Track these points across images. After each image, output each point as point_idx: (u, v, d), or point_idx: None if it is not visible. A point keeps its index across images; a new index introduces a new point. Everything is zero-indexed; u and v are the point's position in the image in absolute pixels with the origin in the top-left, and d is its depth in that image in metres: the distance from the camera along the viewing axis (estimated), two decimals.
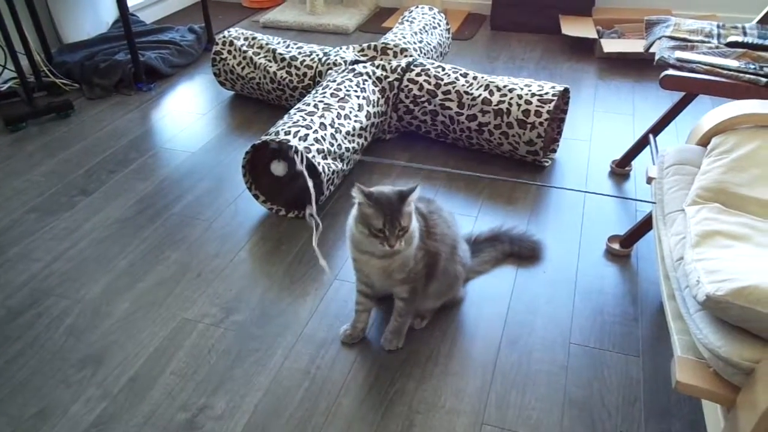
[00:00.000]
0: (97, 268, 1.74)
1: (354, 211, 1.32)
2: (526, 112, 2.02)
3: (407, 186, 1.26)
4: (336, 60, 2.35)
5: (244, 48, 2.55)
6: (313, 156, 1.80)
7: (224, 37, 2.60)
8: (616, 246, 1.75)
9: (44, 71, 2.76)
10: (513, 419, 1.30)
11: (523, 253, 1.74)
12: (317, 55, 2.41)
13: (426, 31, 2.58)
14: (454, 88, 2.15)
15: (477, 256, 1.67)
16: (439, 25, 2.70)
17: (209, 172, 2.19)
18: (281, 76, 2.43)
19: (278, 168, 1.91)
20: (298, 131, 1.84)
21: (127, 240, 1.85)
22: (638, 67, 2.90)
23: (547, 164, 2.17)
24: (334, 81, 2.16)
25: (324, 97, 2.05)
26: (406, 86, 2.21)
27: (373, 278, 1.40)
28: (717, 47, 1.71)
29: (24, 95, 2.52)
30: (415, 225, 1.32)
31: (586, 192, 1.93)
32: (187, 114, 2.60)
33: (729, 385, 0.93)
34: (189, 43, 3.09)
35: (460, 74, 2.19)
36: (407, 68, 2.24)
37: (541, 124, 2.01)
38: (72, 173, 2.19)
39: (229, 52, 2.57)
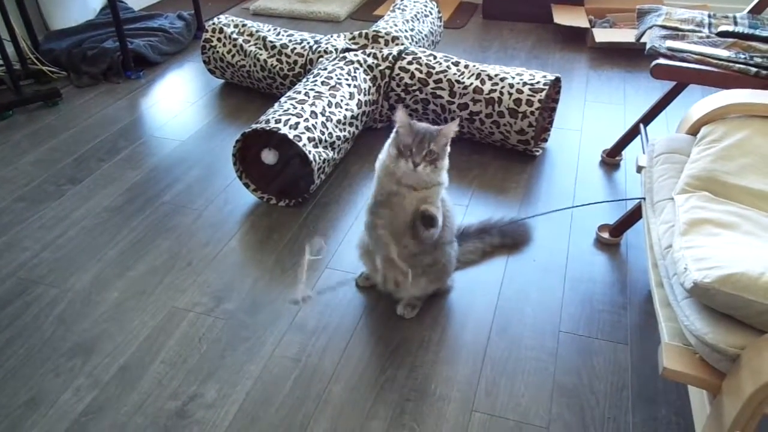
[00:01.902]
0: (86, 257, 1.73)
1: (389, 141, 1.35)
2: (518, 101, 2.02)
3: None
4: (327, 48, 2.33)
5: (234, 36, 2.53)
6: (304, 144, 1.80)
7: (214, 24, 2.58)
8: (605, 235, 1.76)
9: (31, 59, 2.73)
10: (502, 406, 1.31)
11: (516, 241, 1.74)
12: (308, 43, 2.39)
13: (417, 20, 2.56)
14: (445, 76, 2.15)
15: (463, 246, 1.67)
16: (431, 14, 2.69)
17: (199, 160, 2.17)
18: (272, 64, 2.41)
19: (269, 157, 1.90)
20: (289, 119, 1.83)
21: (116, 229, 1.84)
22: (629, 56, 2.90)
23: (538, 153, 2.17)
24: (325, 69, 2.15)
25: (315, 85, 2.04)
26: (398, 75, 2.21)
27: (397, 211, 1.36)
28: (708, 37, 1.71)
29: (10, 83, 2.49)
30: (445, 179, 1.35)
31: (572, 207, 1.94)
32: (176, 102, 2.58)
33: (715, 372, 0.94)
34: (178, 30, 3.06)
35: (452, 63, 2.18)
36: (399, 56, 2.23)
37: (532, 113, 2.01)
38: (60, 162, 2.17)
39: (219, 39, 2.54)
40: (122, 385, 1.36)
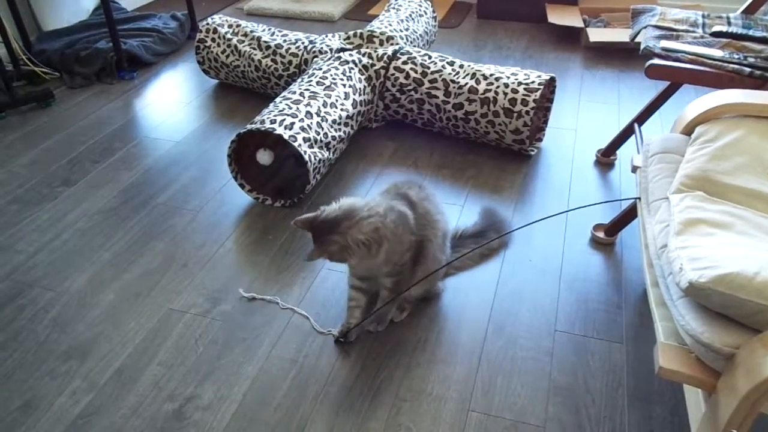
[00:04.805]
0: (81, 259, 1.72)
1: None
2: (513, 101, 2.03)
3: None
4: (322, 48, 2.33)
5: (229, 36, 2.52)
6: (299, 145, 1.79)
7: (208, 24, 2.57)
8: (601, 234, 1.77)
9: (23, 60, 2.71)
10: (499, 405, 1.31)
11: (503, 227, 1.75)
12: (302, 43, 2.39)
13: (412, 19, 2.56)
14: (440, 76, 2.15)
15: (459, 251, 1.67)
16: (426, 13, 2.69)
17: (194, 161, 2.17)
18: (266, 65, 2.41)
19: (264, 157, 1.90)
20: (284, 120, 1.83)
21: (111, 231, 1.83)
22: (624, 56, 2.91)
23: (533, 153, 2.17)
24: (320, 69, 2.14)
25: (310, 85, 2.04)
26: (393, 74, 2.21)
27: (361, 270, 1.41)
28: (702, 37, 1.72)
29: (2, 85, 2.47)
30: (388, 223, 1.30)
31: (567, 211, 1.95)
32: (170, 103, 2.57)
33: (710, 371, 0.94)
34: (172, 30, 3.04)
35: (447, 62, 2.19)
36: (393, 56, 2.23)
37: (527, 113, 2.01)
38: (54, 164, 2.16)
39: (213, 39, 2.54)
40: (118, 387, 1.35)
